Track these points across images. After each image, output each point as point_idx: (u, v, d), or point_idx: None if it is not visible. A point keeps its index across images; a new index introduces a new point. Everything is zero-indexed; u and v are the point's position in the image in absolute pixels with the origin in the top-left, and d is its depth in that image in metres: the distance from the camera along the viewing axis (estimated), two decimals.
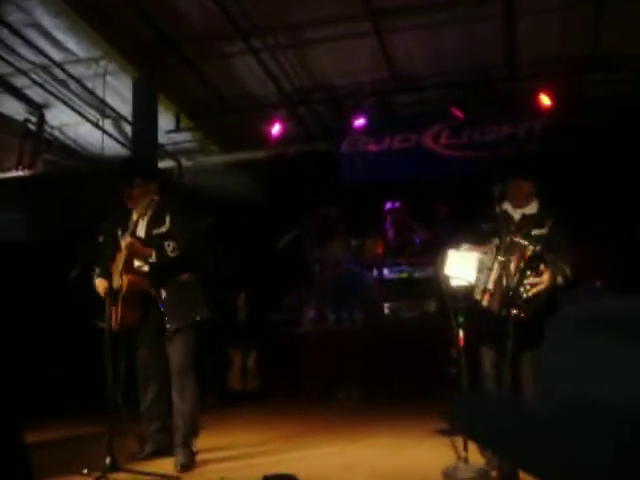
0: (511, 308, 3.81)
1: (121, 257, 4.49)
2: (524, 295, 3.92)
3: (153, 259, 4.51)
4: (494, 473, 3.92)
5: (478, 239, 4.19)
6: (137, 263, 4.56)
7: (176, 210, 4.76)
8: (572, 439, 0.87)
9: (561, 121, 8.73)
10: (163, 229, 4.67)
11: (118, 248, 4.57)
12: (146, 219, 4.72)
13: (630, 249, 7.58)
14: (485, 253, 4.12)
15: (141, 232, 4.70)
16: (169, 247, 4.50)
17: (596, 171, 8.71)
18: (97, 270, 4.65)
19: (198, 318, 4.66)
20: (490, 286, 3.87)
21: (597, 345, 0.90)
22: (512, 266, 3.92)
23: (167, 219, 4.69)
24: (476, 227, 4.42)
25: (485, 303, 3.87)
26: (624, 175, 8.41)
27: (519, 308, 3.83)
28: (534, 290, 3.95)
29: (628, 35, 7.76)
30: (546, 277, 3.99)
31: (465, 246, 4.25)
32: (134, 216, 4.64)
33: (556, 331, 0.96)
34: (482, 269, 4.01)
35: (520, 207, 4.42)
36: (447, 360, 6.69)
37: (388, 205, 9.43)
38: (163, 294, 4.57)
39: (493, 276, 3.91)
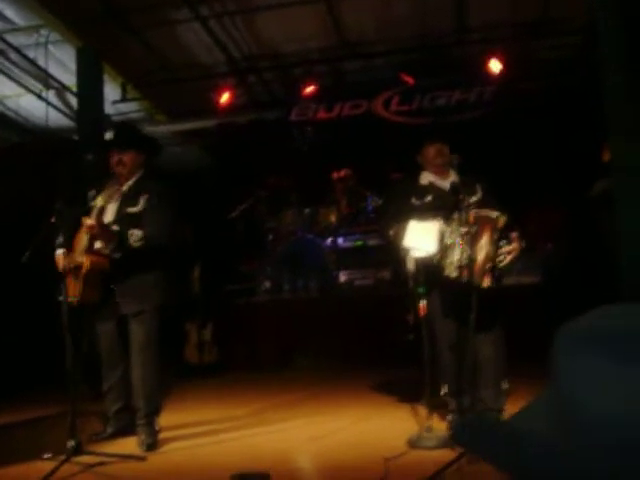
0: (489, 279, 3.87)
1: (84, 235, 4.36)
2: (500, 265, 4.00)
3: (114, 246, 4.36)
4: None
5: (415, 215, 4.19)
6: (98, 245, 4.43)
7: (153, 194, 4.56)
8: (574, 453, 0.88)
9: (511, 86, 8.79)
10: (135, 209, 4.51)
11: (79, 224, 4.42)
12: (118, 198, 4.57)
13: (579, 212, 7.71)
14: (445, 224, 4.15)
15: (111, 211, 4.55)
16: (132, 236, 4.35)
17: (543, 136, 8.83)
18: (58, 241, 4.46)
19: (156, 303, 4.56)
20: (464, 261, 3.89)
21: (597, 362, 0.90)
22: (484, 238, 3.95)
23: (142, 200, 4.52)
24: (405, 203, 4.45)
25: (464, 276, 3.89)
26: (572, 139, 8.53)
27: (496, 278, 3.91)
28: (509, 258, 4.06)
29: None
30: (517, 244, 4.09)
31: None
32: (100, 198, 4.46)
33: (561, 346, 0.96)
34: (448, 241, 4.02)
35: (443, 176, 4.49)
36: (404, 328, 6.80)
37: (334, 174, 9.40)
38: (122, 279, 4.47)
39: (463, 250, 3.92)
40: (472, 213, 3.94)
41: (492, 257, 3.97)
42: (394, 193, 5.01)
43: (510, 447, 0.93)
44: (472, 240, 3.87)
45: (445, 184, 4.41)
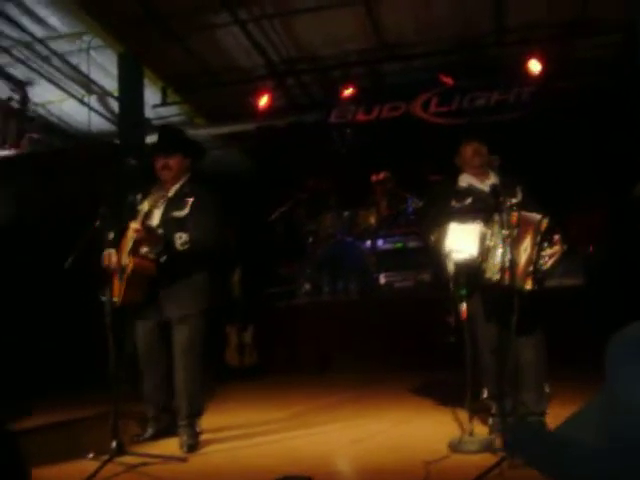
0: (532, 282, 3.83)
1: (130, 237, 4.39)
2: (543, 267, 3.96)
3: (160, 250, 4.37)
4: (499, 442, 3.93)
5: (456, 218, 4.16)
6: (144, 249, 4.43)
7: (199, 198, 4.57)
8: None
9: (550, 86, 8.70)
10: (182, 213, 4.51)
11: (126, 226, 4.46)
12: (164, 202, 4.58)
13: (622, 215, 7.59)
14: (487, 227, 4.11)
15: (157, 215, 4.55)
16: (180, 239, 4.38)
17: (583, 137, 8.72)
18: (107, 239, 4.42)
19: (200, 308, 4.57)
20: (507, 264, 3.85)
21: None
22: (527, 241, 3.91)
23: (188, 204, 4.53)
24: (445, 206, 4.41)
25: (507, 280, 3.85)
26: (612, 140, 8.40)
27: (538, 281, 3.87)
28: (551, 261, 4.01)
29: None
30: (559, 246, 4.05)
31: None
32: (146, 203, 4.51)
33: (614, 354, 0.95)
34: (489, 246, 3.99)
35: (483, 178, 4.45)
36: (445, 330, 6.75)
37: (373, 177, 9.37)
38: (167, 283, 4.48)
39: (506, 253, 3.88)
40: (514, 215, 3.90)
41: (534, 260, 3.93)
42: (434, 196, 4.97)
43: (558, 453, 0.93)
44: (514, 242, 3.83)
45: (484, 186, 4.37)
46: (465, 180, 4.51)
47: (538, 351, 4.19)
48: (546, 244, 4.00)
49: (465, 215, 4.19)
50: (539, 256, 3.95)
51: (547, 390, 4.20)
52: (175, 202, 4.59)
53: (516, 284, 3.83)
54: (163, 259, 4.40)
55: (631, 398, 0.88)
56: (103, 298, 4.29)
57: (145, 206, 4.46)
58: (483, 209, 4.15)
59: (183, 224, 4.47)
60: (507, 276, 3.88)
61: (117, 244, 4.44)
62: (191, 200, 4.56)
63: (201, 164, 4.93)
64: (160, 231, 4.45)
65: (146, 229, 4.39)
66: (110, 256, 4.38)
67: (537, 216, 4.00)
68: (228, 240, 8.01)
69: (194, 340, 4.55)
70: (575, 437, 0.95)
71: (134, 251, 4.38)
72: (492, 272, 3.98)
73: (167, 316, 4.54)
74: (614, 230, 7.81)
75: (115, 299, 4.32)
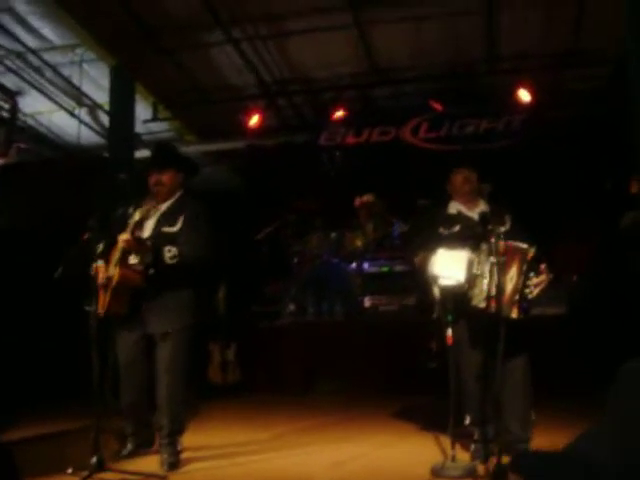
0: (517, 310, 3.86)
1: (118, 249, 4.38)
2: (529, 296, 3.99)
3: (148, 261, 4.37)
4: (481, 469, 3.93)
5: (443, 245, 4.18)
6: (132, 260, 4.44)
7: (192, 214, 4.57)
8: None
9: (540, 116, 8.78)
10: (174, 229, 4.51)
11: (115, 239, 4.44)
12: (157, 214, 4.59)
13: (609, 245, 7.65)
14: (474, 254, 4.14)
15: (148, 228, 4.56)
16: (169, 252, 4.37)
17: (572, 167, 8.79)
18: (97, 252, 4.40)
19: (185, 324, 4.55)
20: (492, 292, 3.88)
21: None
22: (513, 269, 3.95)
23: (180, 220, 4.53)
24: (433, 232, 4.44)
25: (492, 307, 3.88)
26: (603, 170, 8.49)
27: (524, 310, 3.89)
28: (537, 290, 4.04)
29: (605, 31, 7.81)
30: (545, 276, 4.09)
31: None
32: (137, 213, 4.51)
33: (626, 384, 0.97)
34: (476, 273, 4.01)
35: (471, 205, 4.49)
36: (427, 355, 6.77)
37: (357, 200, 9.38)
38: (153, 296, 4.47)
39: (492, 280, 3.91)
40: (502, 244, 3.92)
41: (521, 288, 3.96)
42: (421, 221, 5.00)
43: (576, 474, 0.93)
44: (501, 271, 3.85)
45: (474, 214, 4.40)
46: (454, 207, 4.54)
47: (524, 378, 4.21)
48: (532, 273, 4.03)
49: (453, 242, 4.22)
50: (525, 285, 3.99)
51: (533, 417, 4.21)
52: (167, 217, 4.59)
53: (502, 312, 3.85)
54: (151, 271, 4.40)
55: None
56: (87, 308, 4.27)
57: (136, 216, 4.46)
58: (471, 236, 4.18)
59: (174, 239, 4.46)
60: (493, 304, 3.91)
61: (106, 256, 4.42)
62: (183, 216, 4.56)
63: (190, 180, 4.93)
64: (149, 243, 4.45)
65: (136, 239, 4.38)
66: (99, 268, 4.36)
67: (524, 245, 4.04)
68: (220, 257, 8.00)
69: (177, 357, 4.51)
70: (588, 456, 0.96)
71: (122, 262, 4.36)
72: (478, 299, 4.01)
73: (150, 330, 4.51)
74: (600, 260, 7.86)
75: (99, 310, 4.29)
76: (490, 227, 3.98)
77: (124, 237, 4.34)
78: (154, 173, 4.65)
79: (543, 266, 4.11)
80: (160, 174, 4.64)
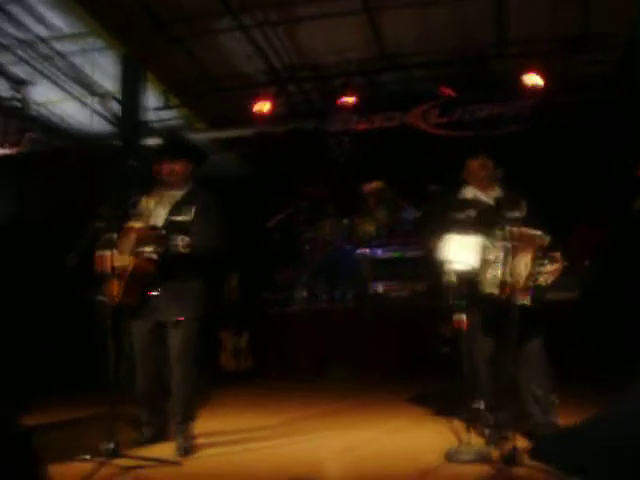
0: (528, 297, 3.86)
1: (131, 238, 4.39)
2: (542, 284, 3.98)
3: (162, 251, 4.38)
4: (495, 454, 3.94)
5: (457, 229, 4.18)
6: (146, 249, 4.42)
7: (205, 204, 4.60)
8: None
9: (550, 101, 8.73)
10: (186, 218, 4.53)
11: (123, 227, 4.46)
12: (169, 203, 4.61)
13: (621, 229, 7.62)
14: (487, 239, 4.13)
15: (161, 216, 4.58)
16: (182, 242, 4.38)
17: (582, 151, 8.74)
18: (104, 241, 4.39)
19: (196, 313, 4.58)
20: (508, 278, 3.89)
21: None
22: (528, 256, 3.94)
23: (193, 210, 4.55)
24: (448, 217, 4.43)
25: (504, 294, 3.89)
26: (613, 155, 8.44)
27: (536, 297, 3.89)
28: (552, 278, 4.04)
29: (615, 15, 7.74)
30: (559, 264, 4.07)
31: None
32: (152, 201, 4.53)
33: None
34: (488, 259, 4.01)
35: (487, 191, 4.47)
36: (439, 340, 6.77)
37: (366, 187, 9.37)
38: (165, 285, 4.48)
39: (506, 267, 3.91)
40: (516, 230, 3.92)
41: (533, 276, 3.96)
42: (436, 206, 5.00)
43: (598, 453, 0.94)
44: (514, 257, 3.85)
45: (489, 199, 4.40)
46: (470, 192, 4.53)
47: (540, 362, 4.22)
48: (547, 261, 4.03)
49: (467, 226, 4.21)
50: (539, 272, 3.98)
51: (555, 400, 4.22)
52: (180, 207, 4.61)
53: (513, 299, 3.85)
54: (162, 260, 4.41)
55: None
56: (99, 298, 4.30)
57: (151, 204, 4.49)
58: (486, 221, 4.17)
59: (187, 229, 4.48)
60: (505, 290, 3.92)
61: (114, 245, 4.44)
62: (195, 206, 4.57)
63: (202, 168, 4.95)
64: (163, 232, 4.46)
65: (150, 227, 4.40)
66: (105, 258, 4.36)
67: (538, 233, 4.03)
68: (231, 248, 8.02)
69: (189, 345, 4.55)
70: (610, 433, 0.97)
71: (135, 251, 4.38)
72: (490, 285, 4.01)
73: (163, 318, 4.54)
74: (613, 244, 7.83)
75: (112, 299, 4.32)
76: (505, 212, 3.99)
77: (138, 225, 4.36)
78: (167, 162, 4.66)
79: (558, 254, 4.09)
80: (173, 163, 4.65)
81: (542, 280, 3.99)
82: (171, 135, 6.27)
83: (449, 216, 4.40)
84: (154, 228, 4.46)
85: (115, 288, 4.36)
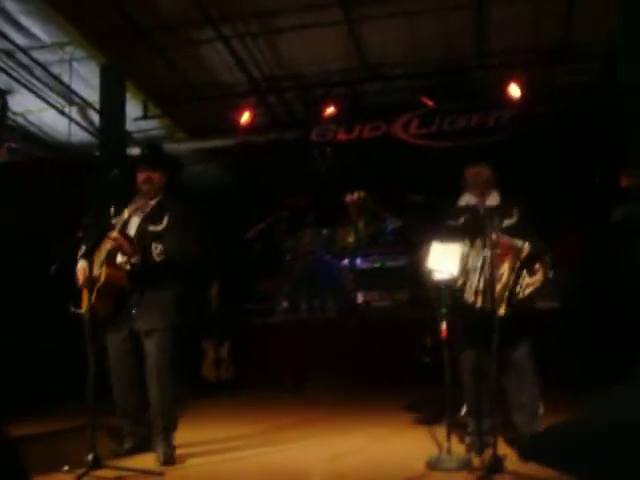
0: (504, 307, 3.86)
1: (105, 248, 4.39)
2: (520, 295, 3.99)
3: (137, 260, 4.39)
4: (476, 461, 3.95)
5: (447, 237, 4.18)
6: (120, 259, 4.44)
7: (176, 213, 4.62)
8: None
9: (530, 111, 8.81)
10: (159, 227, 4.55)
11: (102, 238, 4.45)
12: (141, 214, 4.62)
13: (599, 239, 7.69)
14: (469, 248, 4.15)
15: (133, 226, 4.59)
16: (156, 250, 4.39)
17: (564, 159, 8.82)
18: (81, 251, 4.51)
19: (171, 321, 4.56)
20: (481, 286, 3.90)
21: None
22: (505, 266, 3.95)
23: (165, 219, 4.57)
24: (441, 225, 4.45)
25: (479, 302, 3.90)
26: (592, 163, 8.54)
27: (513, 307, 3.88)
28: (530, 289, 4.03)
29: (596, 26, 7.83)
30: (540, 276, 4.06)
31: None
32: (126, 211, 4.54)
33: None
34: (469, 267, 4.03)
35: (483, 198, 4.47)
36: (421, 350, 6.79)
37: (347, 197, 9.37)
38: (138, 294, 4.49)
39: (482, 275, 3.93)
40: (495, 238, 3.92)
41: (510, 286, 3.96)
42: (423, 215, 5.00)
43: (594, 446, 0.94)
44: (492, 266, 3.85)
45: (482, 206, 4.39)
46: (465, 199, 4.53)
47: (525, 371, 4.21)
48: (525, 272, 4.02)
49: (455, 234, 4.22)
50: (516, 283, 3.98)
51: (541, 411, 4.21)
52: (152, 216, 4.63)
53: (488, 308, 3.86)
54: (136, 266, 4.42)
55: None
56: (73, 310, 4.30)
57: (125, 214, 4.49)
58: (473, 229, 4.16)
59: (159, 238, 4.50)
60: (480, 299, 3.93)
61: (90, 256, 4.44)
62: (168, 215, 4.60)
63: (180, 178, 4.96)
64: (135, 242, 4.47)
65: (124, 238, 4.40)
66: (84, 270, 4.40)
67: (519, 242, 4.02)
68: (206, 255, 7.99)
69: (164, 354, 4.53)
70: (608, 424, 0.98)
71: (108, 261, 4.37)
72: (468, 294, 4.03)
73: (136, 328, 4.53)
74: (590, 254, 7.90)
75: (84, 311, 4.31)
76: (491, 221, 3.99)
77: (113, 235, 4.35)
78: (144, 171, 4.68)
79: (538, 266, 4.08)
80: (150, 172, 4.68)
81: (519, 291, 3.98)
82: (151, 145, 6.28)
83: (441, 224, 4.41)
84: (129, 237, 4.46)
85: (85, 299, 4.35)
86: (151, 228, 4.56)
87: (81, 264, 4.49)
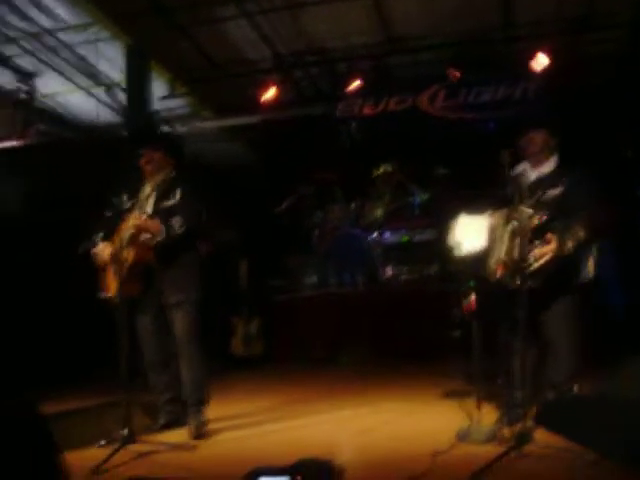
0: (521, 279, 3.78)
1: (128, 229, 4.43)
2: (532, 266, 3.86)
3: (162, 236, 4.44)
4: (506, 433, 3.94)
5: (491, 206, 4.14)
6: (144, 237, 4.48)
7: (187, 186, 4.69)
8: None
9: (557, 82, 8.68)
10: (171, 202, 4.61)
11: (124, 219, 4.51)
12: (155, 192, 4.67)
13: (626, 213, 7.58)
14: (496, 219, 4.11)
15: (149, 204, 4.65)
16: (177, 223, 4.45)
17: (590, 132, 8.69)
18: (99, 235, 4.61)
19: (197, 295, 4.67)
20: (503, 256, 3.85)
21: None
22: (518, 236, 3.89)
23: (177, 193, 4.64)
24: (488, 194, 4.40)
25: (498, 274, 3.86)
26: (623, 135, 8.40)
27: (527, 280, 3.79)
28: (541, 261, 3.89)
29: None
30: (553, 246, 3.91)
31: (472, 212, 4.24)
32: (147, 189, 4.60)
33: None
34: (495, 237, 3.99)
35: (537, 165, 4.39)
36: (450, 323, 6.78)
37: (375, 170, 9.35)
38: (165, 269, 4.57)
39: (505, 246, 3.89)
40: (508, 209, 3.86)
41: (523, 256, 3.84)
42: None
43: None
44: (512, 238, 3.81)
45: (532, 175, 4.32)
46: (520, 167, 4.43)
47: (560, 350, 4.16)
48: (537, 242, 3.91)
49: (498, 204, 4.15)
50: (528, 253, 3.84)
51: (575, 390, 4.15)
52: (164, 193, 4.67)
53: (507, 280, 3.83)
54: (162, 241, 4.48)
55: None
56: (103, 295, 4.42)
57: (146, 190, 4.56)
58: (518, 199, 4.03)
59: (174, 212, 4.54)
60: (499, 269, 3.89)
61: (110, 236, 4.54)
62: (179, 190, 4.65)
63: (208, 156, 5.01)
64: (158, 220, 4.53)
65: (150, 217, 4.50)
66: (103, 251, 4.52)
67: (529, 212, 3.89)
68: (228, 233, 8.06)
69: (192, 327, 4.63)
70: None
71: (133, 241, 4.42)
72: (491, 265, 4.00)
73: (165, 302, 4.62)
74: (621, 225, 7.80)
75: (113, 294, 4.38)
76: (540, 190, 3.94)
77: (137, 216, 4.42)
78: (145, 152, 4.73)
79: (549, 235, 3.92)
80: (152, 153, 4.72)
81: (532, 262, 3.85)
82: (145, 127, 6.35)
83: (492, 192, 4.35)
84: (152, 217, 4.52)
85: (111, 282, 4.42)
86: (164, 204, 4.62)
87: (101, 246, 4.57)
